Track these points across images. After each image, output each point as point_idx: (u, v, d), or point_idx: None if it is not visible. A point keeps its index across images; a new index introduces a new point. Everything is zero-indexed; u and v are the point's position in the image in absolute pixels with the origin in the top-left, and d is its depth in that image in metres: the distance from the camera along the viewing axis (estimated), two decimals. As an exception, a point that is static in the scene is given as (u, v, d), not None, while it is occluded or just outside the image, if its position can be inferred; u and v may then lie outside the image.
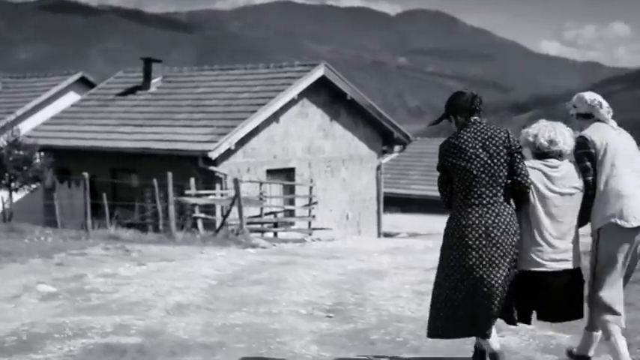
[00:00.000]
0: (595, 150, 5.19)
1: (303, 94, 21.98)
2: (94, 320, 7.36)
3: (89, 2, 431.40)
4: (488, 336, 5.01)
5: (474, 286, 4.90)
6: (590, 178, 5.16)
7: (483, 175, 4.95)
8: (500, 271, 4.89)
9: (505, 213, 4.95)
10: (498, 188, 4.97)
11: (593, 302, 5.16)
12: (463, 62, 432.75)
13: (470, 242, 4.90)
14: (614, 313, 5.07)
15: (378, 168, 25.24)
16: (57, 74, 28.43)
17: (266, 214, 20.29)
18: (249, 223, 19.05)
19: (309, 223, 20.90)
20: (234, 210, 17.44)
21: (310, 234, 20.10)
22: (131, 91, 24.32)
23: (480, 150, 4.97)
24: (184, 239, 15.19)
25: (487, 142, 4.99)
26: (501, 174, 4.96)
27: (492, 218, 4.92)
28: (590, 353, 5.45)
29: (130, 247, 13.56)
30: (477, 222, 4.92)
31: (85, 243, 13.60)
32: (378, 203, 25.33)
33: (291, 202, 21.73)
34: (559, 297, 5.11)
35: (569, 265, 5.05)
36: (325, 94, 22.98)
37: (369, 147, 24.88)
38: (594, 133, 5.27)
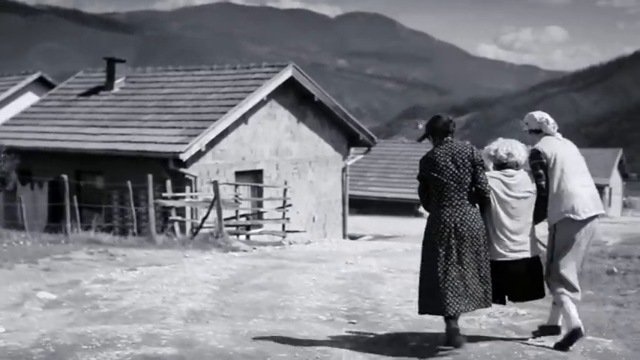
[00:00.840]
0: (546, 159, 6.40)
1: (271, 96, 21.77)
2: (116, 329, 7.06)
3: (27, 2, 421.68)
4: (457, 314, 6.17)
5: (446, 271, 6.11)
6: (543, 182, 6.40)
7: (452, 183, 6.19)
8: (467, 259, 6.13)
9: (470, 212, 6.22)
10: (464, 193, 6.22)
11: (552, 280, 6.38)
12: (402, 65, 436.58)
13: (443, 236, 6.16)
14: (571, 288, 6.30)
15: (344, 170, 25.15)
16: (14, 74, 27.61)
17: (241, 216, 19.97)
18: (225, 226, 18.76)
19: (283, 226, 20.67)
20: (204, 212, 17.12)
21: (284, 236, 19.87)
22: (94, 91, 23.74)
23: (450, 163, 6.19)
24: (164, 243, 14.83)
25: (455, 157, 6.20)
26: (467, 181, 6.20)
27: (460, 217, 6.18)
28: (559, 323, 6.60)
29: (113, 251, 13.24)
30: (447, 220, 6.17)
31: (66, 247, 13.20)
32: (343, 205, 25.25)
33: (259, 204, 21.46)
34: (522, 281, 6.41)
35: (527, 255, 6.35)
36: (292, 95, 22.79)
37: (335, 149, 24.77)
38: (544, 145, 6.47)
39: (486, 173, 6.33)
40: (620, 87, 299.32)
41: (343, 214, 25.10)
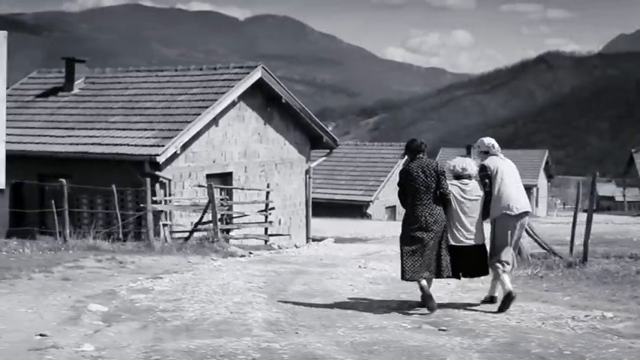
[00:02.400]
0: (490, 172, 8.74)
1: (240, 97, 21.40)
2: (220, 344, 6.73)
3: None
4: (425, 278, 8.53)
5: (418, 250, 8.49)
6: (488, 189, 8.73)
7: (422, 188, 8.52)
8: (432, 242, 8.48)
9: (436, 210, 8.53)
10: (431, 195, 8.53)
11: (492, 260, 8.73)
12: (311, 67, 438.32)
13: (415, 226, 8.52)
14: (505, 264, 8.64)
15: (307, 172, 24.90)
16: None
17: (208, 221, 19.45)
18: (198, 230, 18.31)
19: (266, 229, 20.28)
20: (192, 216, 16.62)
21: (267, 240, 19.50)
22: (52, 92, 22.81)
23: (421, 173, 8.53)
24: (162, 248, 14.29)
25: (425, 169, 8.54)
26: (433, 187, 8.52)
27: (428, 212, 8.51)
28: (496, 294, 9.02)
29: (120, 258, 12.71)
30: (419, 214, 8.52)
31: (73, 255, 12.58)
32: (307, 208, 25.00)
33: (230, 208, 21.02)
34: (472, 261, 8.72)
35: (477, 242, 8.70)
36: (260, 96, 22.44)
37: (299, 151, 24.55)
38: (489, 162, 8.87)
39: (447, 182, 8.61)
40: (525, 90, 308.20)
41: (307, 217, 24.88)
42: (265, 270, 12.24)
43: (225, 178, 21.37)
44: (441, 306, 8.78)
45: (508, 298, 8.48)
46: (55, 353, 6.33)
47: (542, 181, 54.42)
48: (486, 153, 9.04)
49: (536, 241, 14.23)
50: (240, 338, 7.01)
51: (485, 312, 8.66)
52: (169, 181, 19.11)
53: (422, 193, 8.49)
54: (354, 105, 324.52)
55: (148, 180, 15.40)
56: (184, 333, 7.34)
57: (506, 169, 8.81)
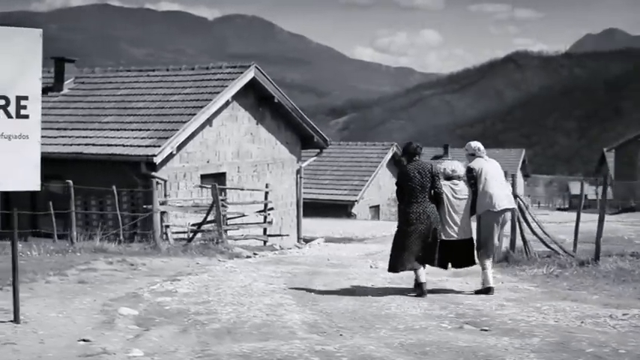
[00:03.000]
0: (476, 173, 9.75)
1: (233, 97, 21.21)
2: (272, 347, 6.64)
3: None
4: (418, 268, 9.53)
5: (412, 243, 9.42)
6: (474, 189, 9.71)
7: (418, 187, 9.43)
8: (424, 235, 9.39)
9: (430, 207, 9.46)
10: (426, 194, 9.46)
11: (479, 253, 9.82)
12: (281, 67, 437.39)
13: (411, 221, 9.40)
14: (488, 256, 9.81)
15: (298, 172, 24.79)
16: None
17: (209, 221, 19.26)
18: (201, 231, 18.15)
19: (265, 230, 20.13)
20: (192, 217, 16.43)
21: (266, 241, 19.36)
22: (41, 92, 22.39)
23: (417, 174, 9.44)
24: (168, 250, 14.11)
25: (420, 170, 9.46)
26: (427, 187, 9.46)
27: (422, 209, 9.41)
28: (490, 284, 9.81)
29: (130, 260, 12.49)
30: (414, 211, 9.40)
31: (81, 257, 12.38)
32: (297, 208, 24.88)
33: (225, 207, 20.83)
34: (461, 254, 9.77)
35: (465, 237, 9.74)
36: (252, 96, 22.30)
37: (290, 151, 24.44)
38: (475, 164, 9.87)
39: (440, 184, 9.57)
40: (493, 89, 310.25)
41: (298, 217, 24.76)
42: (279, 271, 12.14)
43: (218, 178, 21.17)
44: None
45: (488, 291, 9.75)
46: (107, 359, 6.18)
47: (519, 180, 54.78)
48: (473, 155, 10.04)
49: (541, 239, 14.22)
50: (288, 341, 6.89)
51: (522, 312, 8.63)
52: (165, 181, 18.88)
53: (418, 192, 9.43)
54: (324, 105, 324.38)
55: (155, 182, 15.15)
56: (228, 336, 7.20)
57: (490, 169, 9.84)
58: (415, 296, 9.49)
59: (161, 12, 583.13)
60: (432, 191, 9.49)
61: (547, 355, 6.44)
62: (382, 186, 38.30)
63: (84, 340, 6.85)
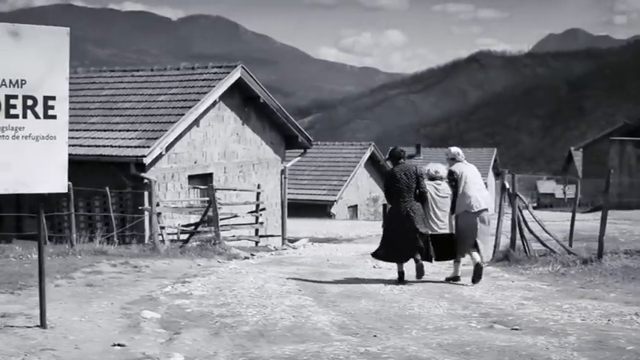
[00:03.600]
0: (457, 176, 10.73)
1: (219, 97, 21.05)
2: (314, 349, 6.60)
3: None
4: (404, 262, 10.69)
5: (398, 238, 10.46)
6: (455, 190, 10.72)
7: (404, 187, 10.50)
8: (411, 231, 10.37)
9: (415, 205, 10.53)
10: (412, 193, 10.53)
11: (457, 248, 10.85)
12: (245, 67, 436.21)
13: (398, 217, 10.46)
14: (463, 252, 10.84)
15: (282, 172, 24.69)
16: None
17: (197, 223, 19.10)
18: (197, 232, 18.01)
19: (257, 231, 20.00)
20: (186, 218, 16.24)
21: (258, 242, 19.24)
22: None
23: (403, 175, 10.53)
24: (167, 252, 13.95)
25: (406, 172, 10.55)
26: (413, 186, 10.53)
27: (409, 207, 10.47)
28: (458, 274, 11.02)
29: (132, 262, 12.33)
30: (401, 208, 10.47)
31: (83, 259, 12.16)
32: (282, 208, 24.77)
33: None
34: (444, 247, 10.72)
35: (447, 231, 10.78)
36: (238, 96, 22.15)
37: (274, 151, 24.33)
38: (456, 167, 10.86)
39: (425, 183, 10.65)
40: (457, 89, 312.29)
41: (282, 217, 24.64)
42: (285, 272, 12.09)
43: (205, 179, 21.01)
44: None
45: (456, 280, 10.99)
46: (152, 364, 6.07)
47: (491, 179, 55.16)
48: (453, 159, 11.03)
49: (537, 238, 14.27)
50: (327, 343, 6.83)
51: (544, 310, 8.70)
52: (153, 182, 18.65)
53: (404, 191, 10.49)
54: (289, 104, 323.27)
55: (153, 182, 14.94)
56: (262, 339, 7.11)
57: (469, 173, 10.85)
58: (397, 283, 10.68)
59: (125, 12, 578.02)
60: (417, 190, 10.55)
61: (590, 353, 6.45)
62: (360, 186, 38.32)
63: (119, 345, 6.71)
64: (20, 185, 7.09)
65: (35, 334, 6.94)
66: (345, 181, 36.05)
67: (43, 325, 7.25)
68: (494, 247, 14.52)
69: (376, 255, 11.01)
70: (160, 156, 18.75)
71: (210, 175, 21.20)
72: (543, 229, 13.61)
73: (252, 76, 21.95)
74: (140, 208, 16.13)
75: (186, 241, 15.44)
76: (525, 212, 14.09)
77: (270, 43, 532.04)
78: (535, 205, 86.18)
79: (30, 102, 6.96)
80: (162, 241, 15.44)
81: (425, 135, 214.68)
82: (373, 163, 39.43)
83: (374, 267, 13.18)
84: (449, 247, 10.80)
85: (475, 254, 10.58)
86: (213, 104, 20.76)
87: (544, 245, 14.02)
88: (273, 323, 7.78)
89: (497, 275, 11.94)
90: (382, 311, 8.65)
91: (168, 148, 19.13)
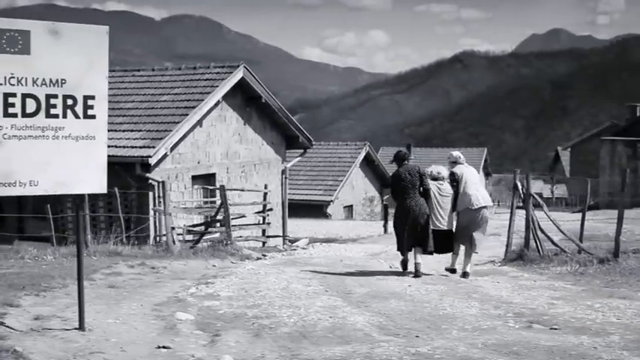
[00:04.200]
0: (458, 177, 11.75)
1: (222, 97, 20.95)
2: (364, 350, 6.55)
3: None
4: (409, 251, 11.72)
5: (406, 231, 11.44)
6: (456, 189, 11.72)
7: (409, 185, 11.51)
8: (417, 225, 11.40)
9: (420, 201, 11.48)
10: (416, 191, 11.52)
11: (455, 241, 11.86)
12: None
13: (405, 213, 11.46)
14: (461, 244, 11.88)
15: (283, 172, 24.62)
16: None
17: (203, 223, 19.03)
18: (190, 232, 17.93)
19: (264, 231, 19.92)
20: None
21: (265, 242, 19.16)
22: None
23: (407, 175, 11.54)
24: (180, 253, 13.85)
25: (410, 172, 11.58)
26: (417, 185, 11.52)
27: (414, 203, 11.44)
28: (455, 267, 12.02)
29: (149, 263, 12.23)
30: (407, 205, 11.45)
31: (99, 261, 12.03)
32: (283, 208, 24.70)
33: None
34: (443, 241, 11.71)
35: (448, 227, 11.72)
36: (240, 96, 22.06)
37: (275, 151, 24.26)
38: (457, 169, 11.88)
39: (428, 181, 11.63)
40: (441, 89, 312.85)
41: (283, 218, 24.58)
42: (304, 272, 12.03)
43: (208, 179, 20.93)
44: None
45: (452, 272, 12.01)
46: (206, 367, 6.01)
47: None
48: (455, 162, 12.06)
49: (547, 237, 14.29)
50: (374, 344, 6.78)
51: (576, 310, 8.72)
52: (158, 183, 18.56)
53: (409, 189, 11.51)
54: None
55: (166, 183, 14.84)
56: (305, 340, 7.05)
57: (469, 174, 11.89)
58: (413, 276, 11.50)
59: (108, 12, 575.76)
60: (421, 188, 11.58)
61: (639, 352, 6.43)
62: (355, 186, 38.30)
63: (164, 347, 6.64)
64: (60, 186, 7.00)
65: (77, 337, 6.85)
66: (341, 181, 36.01)
67: (81, 327, 7.15)
68: (507, 246, 14.55)
69: (400, 250, 12.01)
70: (165, 156, 18.65)
71: (213, 175, 21.12)
72: (558, 228, 13.64)
73: (254, 76, 21.88)
74: (152, 208, 15.98)
75: (197, 242, 15.33)
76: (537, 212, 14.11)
77: (253, 43, 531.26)
78: (522, 204, 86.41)
79: (70, 101, 6.86)
80: (173, 241, 15.32)
81: (409, 135, 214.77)
82: (368, 164, 39.41)
83: (390, 267, 13.16)
84: (447, 242, 11.80)
85: (457, 257, 12.03)
86: (216, 104, 20.66)
87: (555, 245, 14.04)
88: (312, 324, 7.71)
89: (516, 275, 11.96)
90: (415, 311, 8.60)
91: (172, 149, 19.03)
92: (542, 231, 14.11)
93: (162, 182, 14.74)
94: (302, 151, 25.43)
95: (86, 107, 6.94)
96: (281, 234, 24.27)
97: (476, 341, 6.92)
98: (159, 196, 18.67)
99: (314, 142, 36.58)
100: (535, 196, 14.07)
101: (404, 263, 11.85)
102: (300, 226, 29.07)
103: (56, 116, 6.81)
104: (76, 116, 6.90)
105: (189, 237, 18.10)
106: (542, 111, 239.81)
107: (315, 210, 34.46)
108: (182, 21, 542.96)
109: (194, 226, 18.78)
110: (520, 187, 14.37)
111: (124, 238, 15.66)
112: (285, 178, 24.62)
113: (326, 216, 34.48)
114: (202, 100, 19.79)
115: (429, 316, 8.36)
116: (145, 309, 8.55)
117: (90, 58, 6.98)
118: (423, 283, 10.88)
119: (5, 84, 6.60)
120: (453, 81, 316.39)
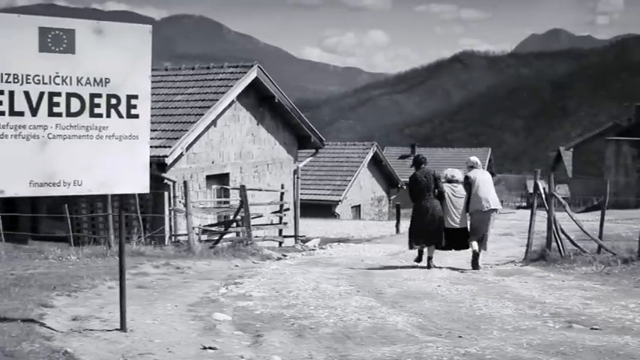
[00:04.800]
0: (471, 181, 12.78)
1: (236, 97, 20.92)
2: (413, 351, 6.53)
3: None
4: (425, 246, 12.91)
5: (423, 229, 12.55)
6: (469, 192, 12.73)
7: (425, 188, 12.58)
8: (432, 223, 12.50)
9: (434, 203, 12.58)
10: (431, 193, 12.61)
11: (470, 239, 12.78)
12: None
13: (421, 212, 12.59)
14: (476, 240, 12.78)
15: (295, 172, 24.58)
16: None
17: (218, 223, 18.99)
18: (205, 232, 17.90)
19: (280, 231, 19.88)
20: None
21: (282, 242, 19.13)
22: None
23: (424, 178, 12.63)
24: (201, 252, 13.82)
25: (426, 175, 12.67)
26: (432, 187, 12.60)
27: (428, 204, 12.55)
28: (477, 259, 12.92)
29: (173, 263, 12.20)
30: (422, 205, 12.58)
31: (128, 262, 11.77)
32: (295, 208, 24.65)
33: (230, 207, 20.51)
34: (458, 238, 12.76)
35: (462, 226, 12.75)
36: (253, 96, 22.02)
37: (287, 151, 24.22)
38: (472, 173, 12.92)
39: (442, 184, 12.83)
40: (441, 89, 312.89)
41: (295, 217, 24.52)
42: (329, 272, 12.06)
43: (222, 179, 20.89)
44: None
45: (475, 266, 12.81)
46: (258, 368, 5.98)
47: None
48: (472, 167, 13.18)
49: (567, 237, 14.26)
50: (421, 344, 6.75)
51: (612, 310, 8.68)
52: (174, 182, 18.53)
53: (425, 191, 12.69)
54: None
55: (186, 182, 14.80)
56: (349, 341, 7.02)
57: (482, 179, 12.92)
58: (424, 268, 12.80)
59: (108, 12, 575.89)
60: (436, 190, 12.70)
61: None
62: (363, 186, 38.26)
63: (211, 348, 6.61)
64: (104, 186, 6.98)
65: (120, 338, 6.82)
66: (349, 181, 35.97)
67: (122, 328, 7.12)
68: (527, 246, 14.52)
69: (410, 246, 13.22)
70: (180, 156, 18.61)
71: (227, 175, 21.08)
72: (581, 229, 13.62)
73: (267, 76, 21.83)
74: (171, 208, 15.94)
75: (216, 242, 15.29)
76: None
77: (253, 43, 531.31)
78: (525, 204, 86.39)
79: (113, 101, 6.84)
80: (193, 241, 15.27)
81: (409, 135, 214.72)
82: (375, 163, 39.36)
83: (413, 267, 13.13)
84: (463, 240, 12.87)
85: (474, 243, 12.83)
86: (231, 104, 20.62)
87: (575, 245, 14.01)
88: (353, 325, 7.68)
89: (542, 275, 11.92)
90: (451, 312, 8.58)
91: (187, 148, 18.98)
92: (562, 231, 14.08)
93: (185, 182, 14.67)
94: (314, 151, 25.35)
95: (129, 107, 6.91)
96: (293, 234, 24.21)
97: (520, 341, 6.89)
98: (174, 196, 18.65)
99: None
100: (557, 196, 14.01)
101: (420, 254, 13.26)
102: (310, 226, 29.01)
103: (100, 116, 6.78)
104: (120, 116, 6.87)
105: (204, 237, 18.06)
106: (542, 111, 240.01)
107: (324, 210, 34.43)
108: (182, 21, 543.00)
109: (210, 225, 18.73)
110: (541, 187, 14.33)
111: (144, 238, 15.63)
112: (297, 178, 24.57)
113: (334, 216, 34.44)
114: (217, 99, 19.74)
115: (466, 316, 8.34)
116: (180, 309, 8.53)
117: (133, 57, 6.95)
118: (452, 284, 10.85)
119: (50, 83, 6.57)
120: (453, 81, 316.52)
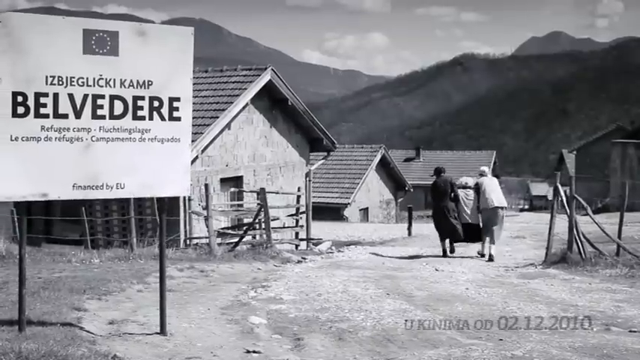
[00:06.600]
0: (480, 185, 15.67)
1: (249, 100, 20.88)
2: (455, 353, 6.43)
3: None
4: (446, 240, 16.02)
5: (443, 225, 15.79)
6: (478, 195, 15.66)
7: (443, 192, 15.67)
8: (450, 221, 15.58)
9: (450, 205, 15.59)
10: (447, 197, 15.62)
11: (483, 234, 15.68)
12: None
13: (439, 213, 15.81)
14: (487, 235, 15.52)
15: (307, 175, 24.55)
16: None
17: (236, 225, 18.94)
18: (220, 235, 17.84)
19: (297, 234, 19.85)
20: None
21: (298, 245, 19.10)
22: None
23: (442, 185, 15.79)
24: (222, 256, 13.79)
25: (444, 182, 15.82)
26: (448, 192, 15.62)
27: (446, 205, 15.60)
28: (485, 252, 15.53)
29: (197, 266, 12.15)
30: (441, 207, 15.69)
31: (148, 264, 11.95)
32: (307, 211, 24.55)
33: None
34: (472, 232, 15.72)
35: (474, 222, 15.71)
36: (266, 99, 21.99)
37: (300, 154, 24.18)
38: (481, 180, 15.77)
39: (456, 189, 15.69)
40: (441, 91, 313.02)
41: (307, 220, 24.40)
42: (354, 275, 12.03)
43: (236, 182, 20.86)
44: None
45: (490, 259, 14.98)
46: (305, 371, 5.96)
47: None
48: (481, 175, 15.99)
49: (587, 240, 14.22)
50: (464, 347, 6.73)
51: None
52: (190, 185, 18.46)
53: (442, 196, 15.62)
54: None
55: (207, 184, 14.77)
56: (391, 344, 7.00)
57: (489, 183, 15.67)
58: (442, 257, 15.67)
59: (108, 15, 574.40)
60: (452, 195, 15.54)
61: None
62: (371, 189, 38.23)
63: (255, 352, 6.58)
64: (146, 189, 6.96)
65: (162, 342, 6.81)
66: (358, 183, 35.94)
67: (163, 332, 7.11)
68: (547, 249, 14.51)
69: (441, 237, 16.06)
70: (195, 159, 18.56)
71: (241, 178, 21.04)
72: (603, 231, 13.59)
73: (281, 79, 21.80)
74: (190, 211, 15.92)
75: (236, 245, 15.26)
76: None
77: (254, 46, 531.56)
78: (528, 207, 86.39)
79: (156, 103, 6.81)
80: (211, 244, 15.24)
81: (409, 137, 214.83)
82: (383, 166, 39.33)
83: (436, 270, 13.12)
84: (477, 234, 15.69)
85: (489, 247, 15.26)
86: (245, 107, 20.59)
87: (595, 248, 13.98)
88: (392, 328, 7.66)
89: (567, 278, 11.89)
90: (485, 314, 8.56)
91: (202, 151, 18.95)
92: (583, 235, 14.05)
93: (206, 185, 14.66)
94: (325, 153, 25.31)
95: (172, 109, 6.89)
96: (305, 236, 24.16)
97: (562, 344, 6.87)
98: (190, 199, 18.60)
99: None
100: (579, 198, 13.99)
101: (444, 252, 15.88)
102: (319, 229, 28.93)
103: (143, 118, 6.76)
104: (162, 118, 6.85)
105: (218, 240, 18.01)
106: (542, 113, 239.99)
107: (333, 212, 34.39)
108: (182, 24, 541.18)
109: (226, 228, 18.69)
110: (561, 190, 14.34)
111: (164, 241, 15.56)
112: (310, 180, 24.52)
113: (343, 218, 34.41)
114: (231, 102, 19.69)
115: (497, 318, 8.32)
116: (213, 313, 8.51)
117: (175, 60, 6.93)
118: (479, 286, 10.83)
119: (94, 85, 6.55)
120: (453, 84, 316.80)
